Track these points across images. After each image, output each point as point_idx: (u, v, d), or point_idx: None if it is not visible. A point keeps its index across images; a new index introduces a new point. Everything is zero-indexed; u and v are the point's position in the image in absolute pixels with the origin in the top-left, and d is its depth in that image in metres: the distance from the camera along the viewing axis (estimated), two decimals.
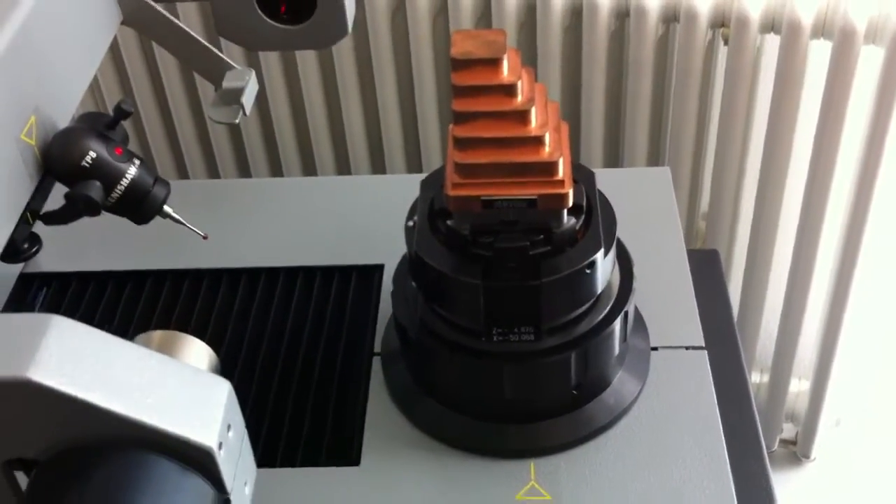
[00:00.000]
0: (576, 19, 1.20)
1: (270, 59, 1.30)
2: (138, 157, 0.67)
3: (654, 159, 1.30)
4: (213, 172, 1.48)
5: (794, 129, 1.21)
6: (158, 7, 0.78)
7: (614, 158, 1.33)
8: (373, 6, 1.22)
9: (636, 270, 0.74)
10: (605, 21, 1.17)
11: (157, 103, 1.42)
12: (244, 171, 1.47)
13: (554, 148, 0.65)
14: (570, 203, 0.65)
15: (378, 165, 1.41)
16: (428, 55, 1.25)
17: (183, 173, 1.50)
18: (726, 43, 1.17)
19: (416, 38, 1.24)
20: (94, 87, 1.42)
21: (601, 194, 0.72)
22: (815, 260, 1.30)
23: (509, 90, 0.64)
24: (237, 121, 0.79)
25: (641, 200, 0.91)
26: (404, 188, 0.75)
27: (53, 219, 0.66)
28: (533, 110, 0.64)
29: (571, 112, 1.28)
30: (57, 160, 0.65)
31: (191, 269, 0.86)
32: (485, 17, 1.22)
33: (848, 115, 1.16)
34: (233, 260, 0.87)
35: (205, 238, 0.73)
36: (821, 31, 1.13)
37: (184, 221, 0.71)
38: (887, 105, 1.13)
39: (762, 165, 1.25)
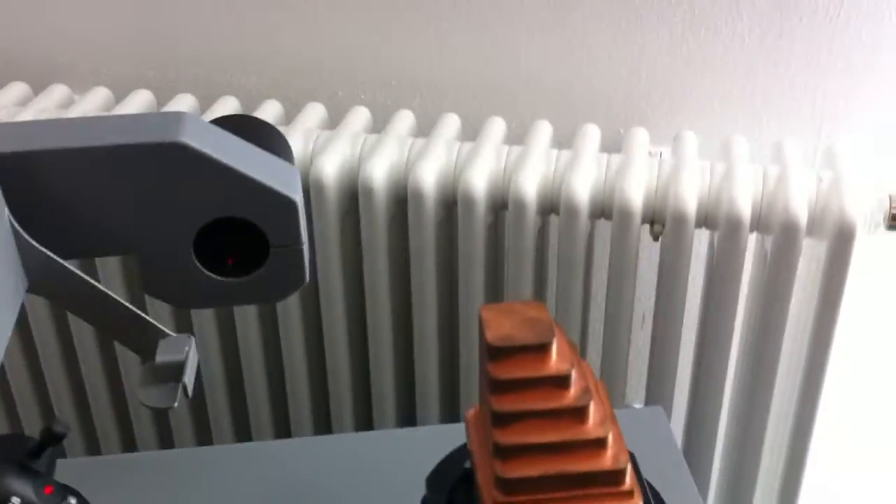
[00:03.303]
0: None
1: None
2: (73, 493, 0.50)
3: None
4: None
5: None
6: (70, 266, 0.62)
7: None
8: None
9: None
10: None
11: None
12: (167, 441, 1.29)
13: (618, 449, 0.52)
14: None
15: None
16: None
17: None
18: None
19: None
20: None
21: (648, 482, 0.60)
22: None
23: (561, 382, 0.52)
24: (176, 405, 0.62)
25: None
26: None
27: None
28: (591, 405, 0.52)
29: None
30: None
31: None
32: None
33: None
34: None
35: None
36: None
37: None
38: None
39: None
